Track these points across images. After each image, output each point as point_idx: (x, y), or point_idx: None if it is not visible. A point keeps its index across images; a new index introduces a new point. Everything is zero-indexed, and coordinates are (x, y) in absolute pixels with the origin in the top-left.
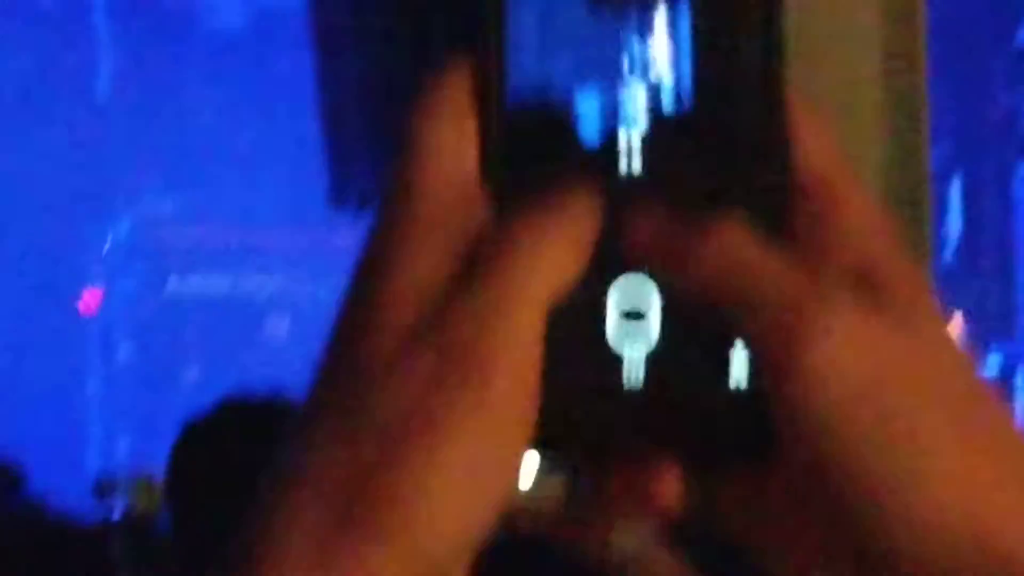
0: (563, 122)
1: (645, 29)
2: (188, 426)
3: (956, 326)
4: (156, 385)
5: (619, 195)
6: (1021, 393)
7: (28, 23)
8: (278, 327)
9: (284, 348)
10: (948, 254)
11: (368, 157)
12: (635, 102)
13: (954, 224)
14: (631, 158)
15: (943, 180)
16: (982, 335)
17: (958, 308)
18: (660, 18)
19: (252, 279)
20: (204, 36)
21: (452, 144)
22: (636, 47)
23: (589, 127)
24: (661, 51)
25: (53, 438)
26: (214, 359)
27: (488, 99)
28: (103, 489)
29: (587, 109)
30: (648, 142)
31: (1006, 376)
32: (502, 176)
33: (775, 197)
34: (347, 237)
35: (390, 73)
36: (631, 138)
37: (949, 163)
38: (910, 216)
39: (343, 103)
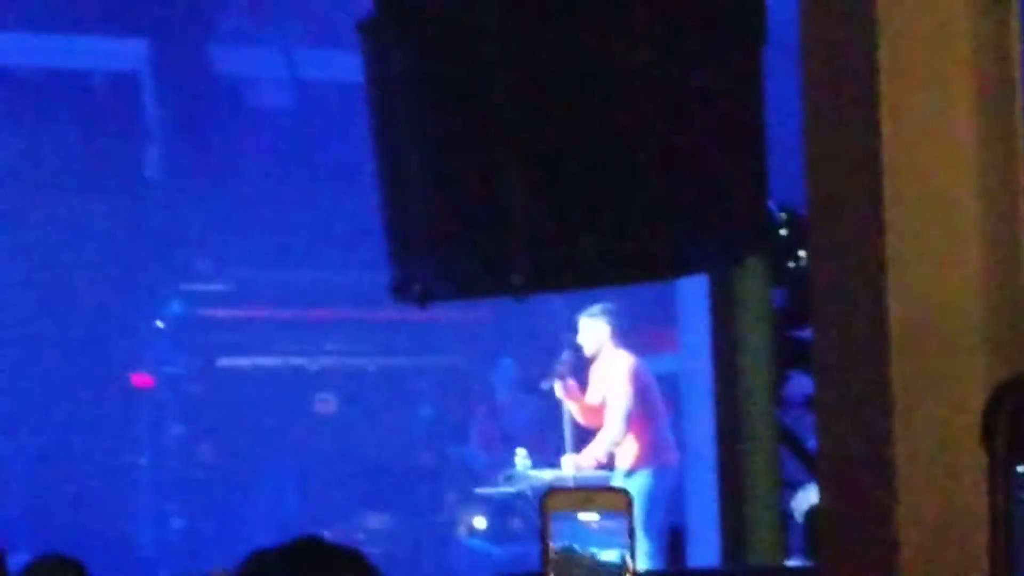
0: None
1: None
2: (257, 558)
3: None
4: (205, 462)
5: None
6: None
7: (78, 103)
8: (326, 403)
9: (332, 422)
10: None
11: (430, 249)
12: None
13: None
14: None
15: None
16: None
17: None
18: None
19: (300, 357)
20: (252, 115)
21: None
22: None
23: None
24: None
25: (107, 517)
26: (265, 435)
27: None
28: None
29: None
30: None
31: None
32: None
33: None
34: (392, 314)
35: (452, 164)
36: None
37: None
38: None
39: (406, 194)
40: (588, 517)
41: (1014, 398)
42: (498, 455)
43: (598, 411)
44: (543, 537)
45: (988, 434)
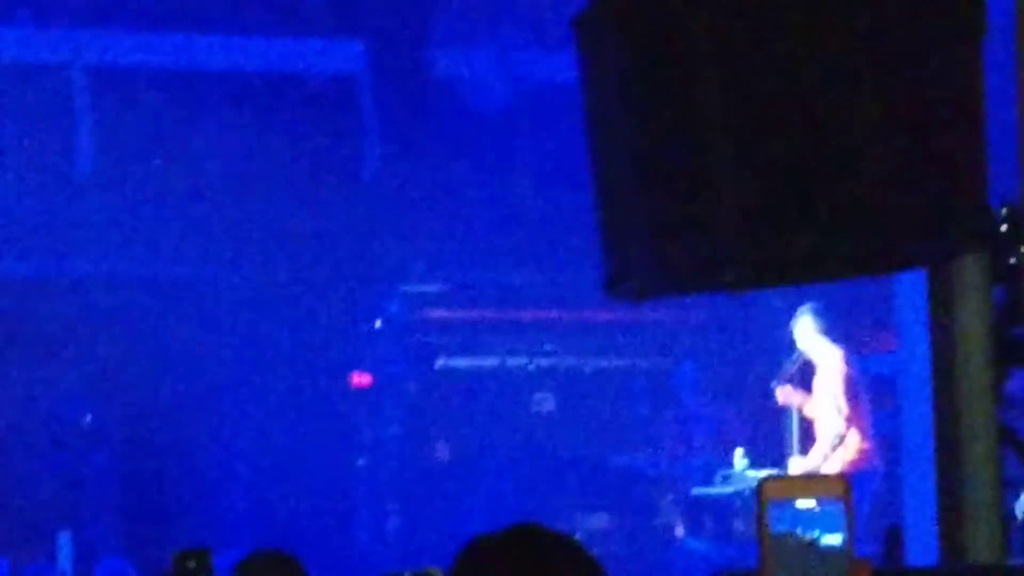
0: None
1: None
2: (479, 542)
3: None
4: (423, 461)
5: None
6: None
7: (297, 104)
8: (545, 402)
9: (551, 421)
10: None
11: (644, 246)
12: None
13: None
14: None
15: None
16: None
17: None
18: None
19: (518, 357)
20: (468, 116)
21: None
22: None
23: None
24: None
25: (327, 511)
26: (482, 435)
27: None
28: None
29: None
30: None
31: None
32: None
33: None
34: (608, 314)
35: (665, 160)
36: None
37: None
38: None
39: (620, 190)
40: (806, 504)
41: None
42: (682, 460)
43: (823, 410)
44: (759, 523)
45: None
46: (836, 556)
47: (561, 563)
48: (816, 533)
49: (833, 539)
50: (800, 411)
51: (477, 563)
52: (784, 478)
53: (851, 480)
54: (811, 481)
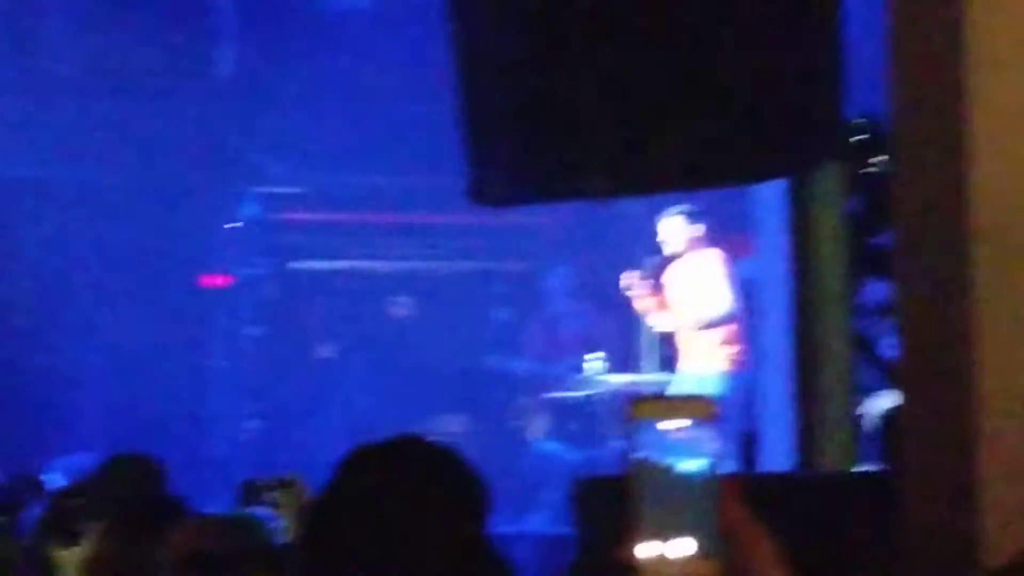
0: None
1: None
2: (359, 453)
3: None
4: (283, 364)
5: None
6: None
7: (150, 5)
8: (403, 306)
9: (410, 325)
10: None
11: (509, 153)
12: None
13: None
14: None
15: None
16: None
17: None
18: None
19: (377, 260)
20: (327, 16)
21: None
22: None
23: None
24: None
25: (183, 416)
26: (342, 338)
27: None
28: (248, 494)
29: None
30: None
31: None
32: None
33: None
34: (467, 218)
35: (530, 71)
36: None
37: None
38: None
39: (484, 96)
40: (672, 425)
41: None
42: (549, 363)
43: (683, 312)
44: (628, 446)
45: None
46: (702, 480)
47: (444, 474)
48: (683, 456)
49: (700, 462)
50: (658, 313)
51: (359, 473)
52: (652, 398)
53: (729, 380)
54: (680, 402)
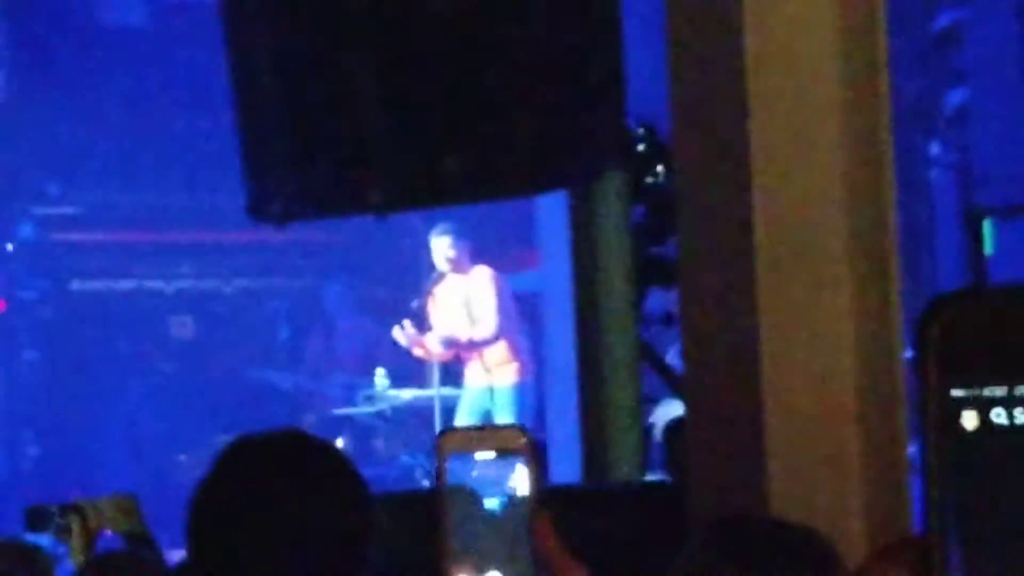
0: None
1: None
2: (241, 445)
3: None
4: (62, 388)
5: None
6: None
7: None
8: (183, 325)
9: (190, 344)
10: None
11: (288, 168)
12: None
13: None
14: None
15: None
16: None
17: None
18: None
19: (156, 280)
20: (103, 34)
21: None
22: None
23: None
24: None
25: None
26: (120, 359)
27: None
28: (34, 520)
29: None
30: None
31: None
32: None
33: None
34: (250, 236)
35: (308, 82)
36: None
37: None
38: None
39: (263, 112)
40: (484, 456)
41: (950, 311)
42: (330, 379)
43: (456, 330)
44: (437, 478)
45: (920, 353)
46: (512, 511)
47: (328, 464)
48: (493, 487)
49: (510, 493)
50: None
51: (241, 465)
52: (463, 430)
53: (517, 393)
54: (490, 432)
